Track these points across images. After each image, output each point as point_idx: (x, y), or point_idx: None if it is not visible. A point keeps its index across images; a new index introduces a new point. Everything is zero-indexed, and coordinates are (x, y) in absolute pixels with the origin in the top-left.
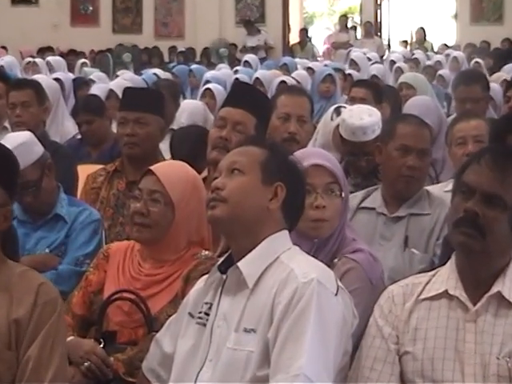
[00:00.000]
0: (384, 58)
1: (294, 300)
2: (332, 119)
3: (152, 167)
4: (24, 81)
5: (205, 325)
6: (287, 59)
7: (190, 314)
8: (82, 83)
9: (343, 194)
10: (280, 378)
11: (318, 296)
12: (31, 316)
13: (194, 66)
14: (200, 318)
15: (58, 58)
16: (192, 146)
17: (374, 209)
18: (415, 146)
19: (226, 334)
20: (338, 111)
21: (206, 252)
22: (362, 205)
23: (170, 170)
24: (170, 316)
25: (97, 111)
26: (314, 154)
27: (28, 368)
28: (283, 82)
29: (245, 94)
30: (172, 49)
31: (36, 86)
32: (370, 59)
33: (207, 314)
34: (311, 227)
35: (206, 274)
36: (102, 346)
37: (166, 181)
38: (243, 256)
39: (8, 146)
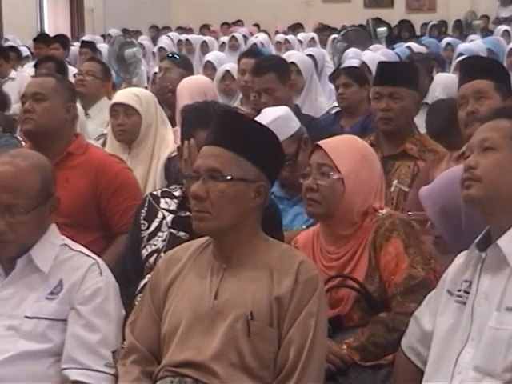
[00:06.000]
0: None
1: None
2: None
3: (320, 142)
4: (264, 65)
5: (465, 303)
6: None
7: (449, 292)
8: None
9: None
10: None
11: None
12: (292, 294)
13: (450, 39)
14: (459, 296)
15: (308, 34)
16: (446, 120)
17: None
18: None
19: (488, 313)
20: None
21: (383, 211)
22: None
23: (337, 143)
24: (369, 292)
25: (357, 78)
26: None
27: (290, 352)
28: None
29: (474, 66)
30: (424, 24)
31: (276, 68)
32: None
33: (467, 292)
34: None
35: (393, 235)
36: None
37: (332, 153)
38: (503, 233)
39: (266, 119)
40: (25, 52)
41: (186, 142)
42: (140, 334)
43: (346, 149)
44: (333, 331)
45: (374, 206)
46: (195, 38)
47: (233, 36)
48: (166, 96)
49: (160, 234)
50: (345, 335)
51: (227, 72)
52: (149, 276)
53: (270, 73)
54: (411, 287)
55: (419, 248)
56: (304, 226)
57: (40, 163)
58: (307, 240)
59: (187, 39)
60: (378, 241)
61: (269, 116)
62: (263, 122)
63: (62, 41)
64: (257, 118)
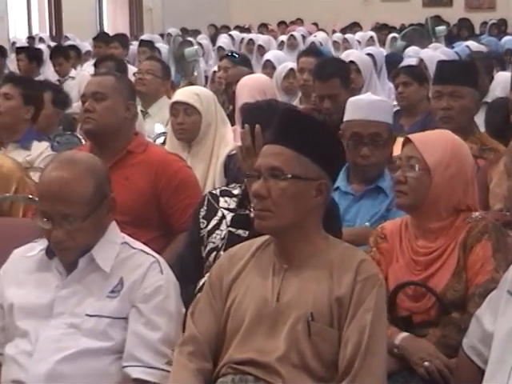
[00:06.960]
0: None
1: None
2: None
3: (410, 135)
4: (328, 70)
5: None
6: None
7: (510, 292)
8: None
9: None
10: None
11: None
12: (352, 294)
13: (507, 38)
14: None
15: (367, 33)
16: (504, 118)
17: None
18: None
19: None
20: None
21: (477, 213)
22: None
23: (427, 136)
24: (455, 291)
25: (416, 77)
26: None
27: (348, 349)
28: None
29: None
30: (484, 23)
31: (340, 73)
32: None
33: None
34: None
35: (484, 237)
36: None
37: (421, 146)
38: None
39: (367, 98)
40: (86, 47)
41: (242, 130)
42: (200, 325)
43: (435, 142)
44: (404, 329)
45: (467, 202)
46: (256, 37)
47: (291, 35)
48: (222, 88)
49: (218, 231)
50: (415, 332)
51: (291, 70)
52: (208, 274)
53: (335, 78)
54: (490, 290)
55: (506, 254)
56: (367, 224)
57: (92, 166)
58: (395, 229)
59: (250, 39)
60: (469, 241)
61: (371, 96)
62: (370, 98)
63: (121, 40)
64: (364, 95)
